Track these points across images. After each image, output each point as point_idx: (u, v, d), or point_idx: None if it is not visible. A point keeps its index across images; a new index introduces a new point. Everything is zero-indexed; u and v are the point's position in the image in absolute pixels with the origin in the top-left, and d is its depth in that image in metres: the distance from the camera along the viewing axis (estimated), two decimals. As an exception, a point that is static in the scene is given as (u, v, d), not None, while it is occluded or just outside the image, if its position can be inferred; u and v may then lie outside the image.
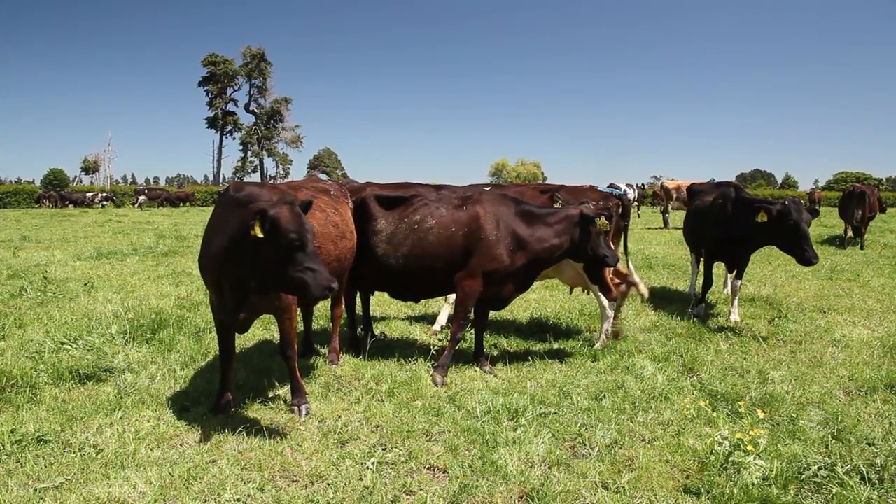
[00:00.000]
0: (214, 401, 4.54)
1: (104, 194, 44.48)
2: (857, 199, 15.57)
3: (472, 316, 5.64)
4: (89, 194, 44.73)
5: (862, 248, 15.32)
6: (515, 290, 5.61)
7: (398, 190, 5.96)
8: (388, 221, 5.66)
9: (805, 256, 6.57)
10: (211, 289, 4.35)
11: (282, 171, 79.07)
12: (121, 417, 4.33)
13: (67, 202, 42.30)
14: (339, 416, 4.45)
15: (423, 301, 8.03)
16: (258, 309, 4.44)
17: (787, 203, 6.61)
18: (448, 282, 5.51)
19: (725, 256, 7.72)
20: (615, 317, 6.90)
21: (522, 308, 8.22)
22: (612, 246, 5.95)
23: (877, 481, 3.53)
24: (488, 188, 6.31)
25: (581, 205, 5.56)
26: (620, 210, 6.65)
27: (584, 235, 5.30)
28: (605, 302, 6.26)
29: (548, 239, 5.35)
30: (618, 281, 6.64)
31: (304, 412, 4.48)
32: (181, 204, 44.20)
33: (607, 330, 6.27)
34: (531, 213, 5.46)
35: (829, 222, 25.93)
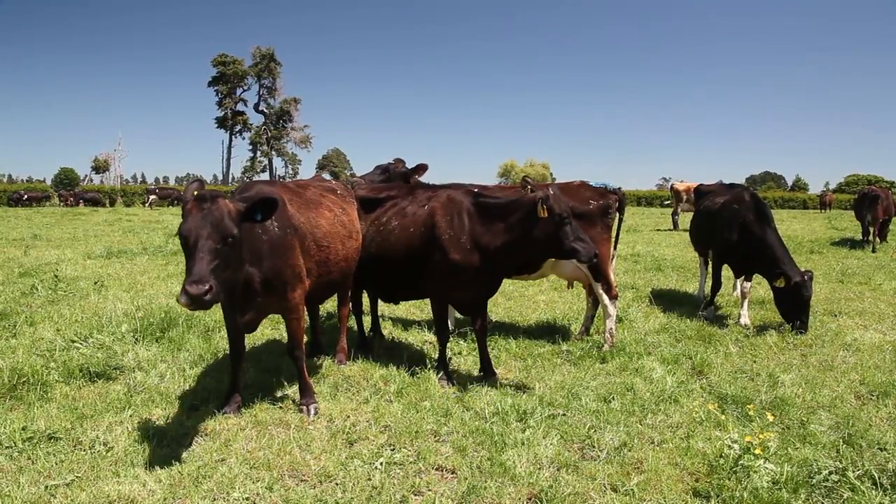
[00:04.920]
0: (224, 399, 4.56)
1: (153, 196, 43.58)
2: (868, 202, 15.46)
3: (474, 321, 5.52)
4: (153, 196, 43.92)
5: (874, 250, 15.19)
6: (481, 291, 5.26)
7: (377, 192, 5.96)
8: (366, 223, 5.69)
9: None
10: None
11: (291, 171, 79.33)
12: (131, 415, 4.36)
13: (80, 201, 42.77)
14: (348, 416, 4.45)
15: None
16: (265, 309, 4.46)
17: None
18: (421, 284, 5.38)
19: (735, 259, 7.64)
20: (591, 318, 6.87)
21: (531, 309, 8.21)
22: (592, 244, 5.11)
23: (889, 487, 3.49)
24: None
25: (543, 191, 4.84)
26: (618, 205, 6.40)
27: (543, 226, 4.68)
28: (607, 300, 6.21)
29: (502, 232, 4.90)
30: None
31: (312, 411, 4.48)
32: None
33: (611, 329, 6.23)
34: (486, 206, 5.05)
35: (840, 225, 25.76)
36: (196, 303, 3.31)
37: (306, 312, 6.11)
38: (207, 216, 3.49)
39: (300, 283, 4.47)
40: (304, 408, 4.52)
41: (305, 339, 6.44)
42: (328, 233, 4.88)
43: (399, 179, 6.84)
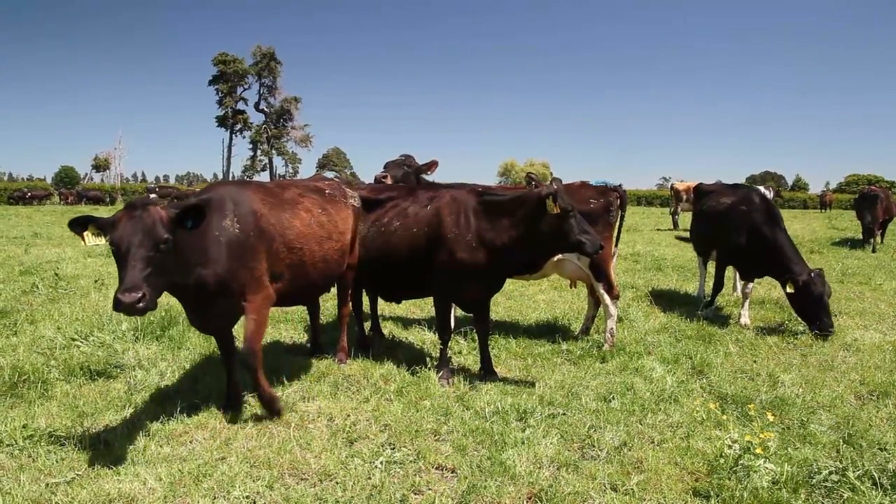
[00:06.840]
0: (224, 398, 4.56)
1: (154, 195, 44.01)
2: (868, 203, 15.48)
3: (477, 320, 5.52)
4: (153, 195, 44.79)
5: (874, 250, 15.20)
6: (486, 289, 5.30)
7: (377, 192, 5.94)
8: (367, 223, 5.67)
9: None
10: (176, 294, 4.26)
11: (291, 170, 79.28)
12: (131, 414, 4.36)
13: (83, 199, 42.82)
14: (348, 415, 4.45)
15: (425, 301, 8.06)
16: (228, 310, 4.33)
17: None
18: (425, 283, 5.41)
19: (741, 261, 7.59)
20: (592, 317, 6.87)
21: (531, 308, 8.21)
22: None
23: (889, 487, 3.49)
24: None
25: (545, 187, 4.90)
26: (619, 202, 6.36)
27: (549, 220, 4.72)
28: (608, 300, 6.20)
29: (508, 229, 4.93)
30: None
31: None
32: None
33: (612, 329, 6.22)
34: (491, 204, 5.08)
35: (840, 225, 25.76)
36: (130, 311, 3.33)
37: (308, 313, 6.13)
38: (138, 223, 3.48)
39: (260, 285, 4.34)
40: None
41: (305, 338, 6.45)
42: (302, 234, 4.75)
43: (415, 174, 6.86)
